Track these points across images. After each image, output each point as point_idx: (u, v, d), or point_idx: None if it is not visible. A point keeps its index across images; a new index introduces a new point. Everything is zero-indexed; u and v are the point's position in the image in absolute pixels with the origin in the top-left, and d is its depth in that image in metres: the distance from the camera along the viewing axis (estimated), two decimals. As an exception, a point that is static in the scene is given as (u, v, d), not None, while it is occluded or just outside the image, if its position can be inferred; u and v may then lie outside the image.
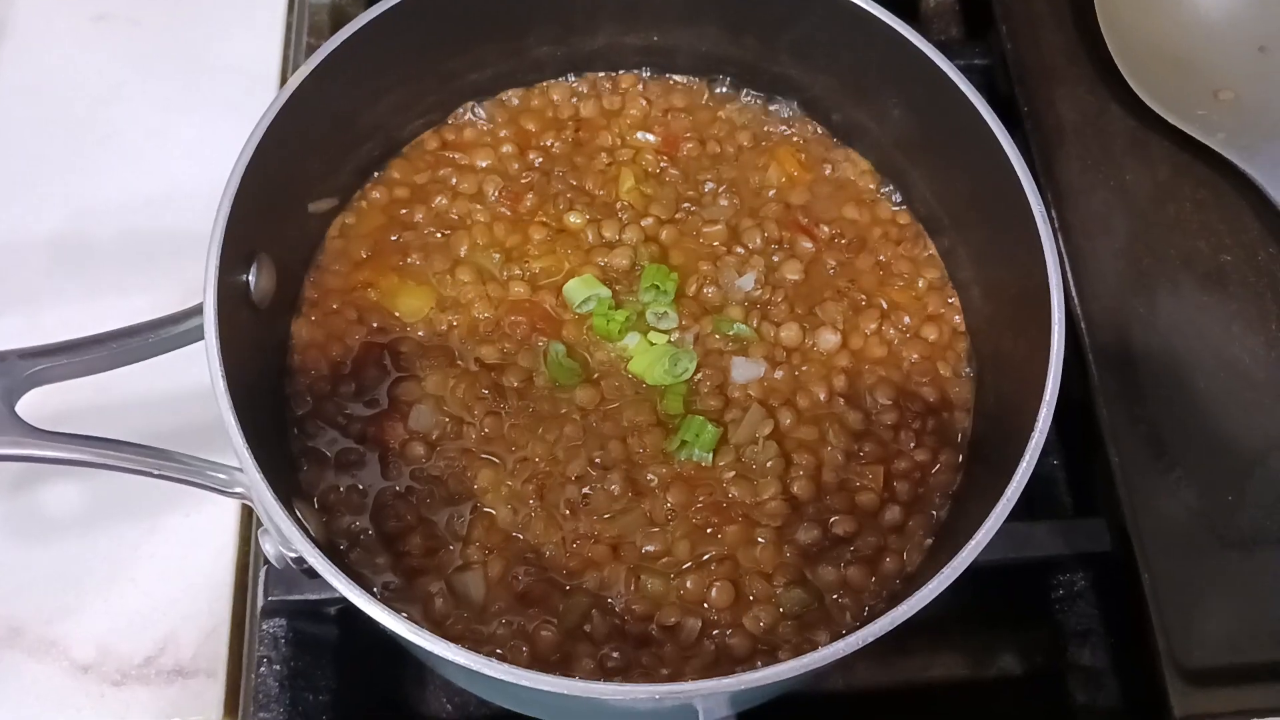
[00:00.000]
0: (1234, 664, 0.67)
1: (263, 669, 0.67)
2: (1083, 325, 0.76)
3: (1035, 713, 0.65)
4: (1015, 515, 0.78)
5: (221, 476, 0.51)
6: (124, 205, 0.84)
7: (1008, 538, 0.70)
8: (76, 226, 0.83)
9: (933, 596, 0.49)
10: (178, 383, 0.75)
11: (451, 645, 0.46)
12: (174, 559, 0.72)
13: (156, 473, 0.50)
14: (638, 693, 0.45)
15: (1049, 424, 0.53)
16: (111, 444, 0.49)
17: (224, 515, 0.74)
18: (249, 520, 0.75)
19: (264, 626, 0.68)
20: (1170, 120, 0.83)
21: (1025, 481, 0.52)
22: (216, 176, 0.85)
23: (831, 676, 0.74)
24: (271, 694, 0.67)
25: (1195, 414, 0.74)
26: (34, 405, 0.54)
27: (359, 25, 0.61)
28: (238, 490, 0.51)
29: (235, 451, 0.49)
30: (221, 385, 0.49)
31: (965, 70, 0.63)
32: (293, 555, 0.51)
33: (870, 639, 0.49)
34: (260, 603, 0.67)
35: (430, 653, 0.48)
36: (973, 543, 0.50)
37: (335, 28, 0.64)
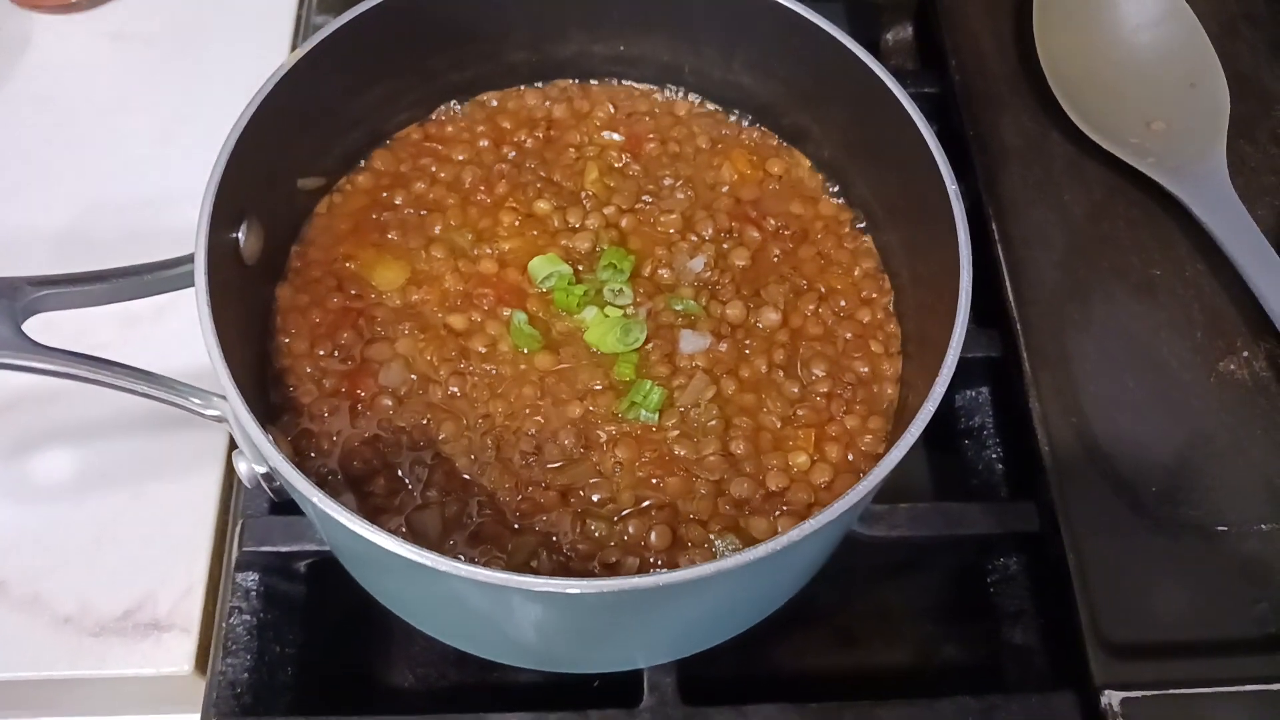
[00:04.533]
0: (1154, 640, 0.69)
1: (233, 619, 0.70)
2: (1019, 327, 0.81)
3: (972, 690, 0.69)
4: (952, 497, 0.82)
5: (198, 401, 0.56)
6: (126, 205, 0.90)
7: (944, 516, 0.75)
8: (81, 224, 0.89)
9: (894, 465, 0.53)
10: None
11: (409, 545, 0.49)
12: (156, 523, 0.76)
13: (142, 391, 0.54)
14: (603, 586, 0.49)
15: (954, 368, 0.57)
16: (104, 363, 0.53)
17: (205, 483, 0.78)
18: (228, 489, 0.78)
19: (237, 579, 0.71)
20: (1105, 146, 0.89)
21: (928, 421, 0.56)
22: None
23: (779, 654, 0.77)
24: (240, 642, 0.70)
25: (1125, 410, 0.78)
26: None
27: (348, 18, 0.67)
28: (214, 413, 0.55)
29: (214, 369, 0.52)
30: (206, 307, 0.53)
31: (917, 98, 0.67)
32: (263, 472, 0.55)
33: (823, 523, 0.52)
34: (234, 555, 0.71)
35: (390, 564, 0.51)
36: (923, 412, 0.54)
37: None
